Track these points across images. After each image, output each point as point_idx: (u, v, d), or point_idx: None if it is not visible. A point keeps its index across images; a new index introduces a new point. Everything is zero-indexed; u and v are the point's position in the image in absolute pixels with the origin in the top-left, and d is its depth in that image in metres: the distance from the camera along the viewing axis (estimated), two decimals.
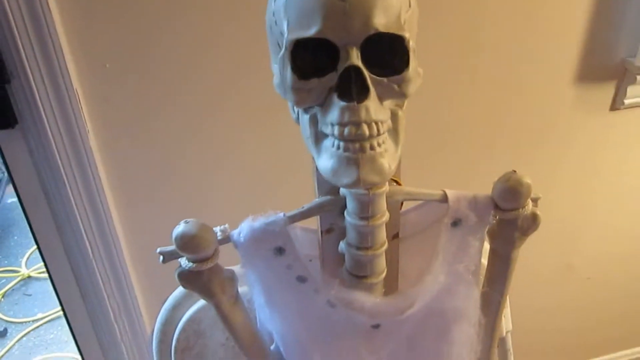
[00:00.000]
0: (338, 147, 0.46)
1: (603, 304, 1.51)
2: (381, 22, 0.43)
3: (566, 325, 1.52)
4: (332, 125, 0.45)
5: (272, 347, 0.64)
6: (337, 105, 0.45)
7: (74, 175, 0.86)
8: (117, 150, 0.92)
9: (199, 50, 0.88)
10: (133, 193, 0.97)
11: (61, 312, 1.07)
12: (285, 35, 0.44)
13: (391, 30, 0.44)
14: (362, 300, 0.58)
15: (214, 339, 0.66)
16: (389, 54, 0.46)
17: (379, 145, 0.46)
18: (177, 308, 0.66)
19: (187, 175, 0.98)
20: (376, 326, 0.61)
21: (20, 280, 2.35)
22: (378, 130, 0.45)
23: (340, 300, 0.58)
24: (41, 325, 2.12)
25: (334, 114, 0.45)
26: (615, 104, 1.15)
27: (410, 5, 0.47)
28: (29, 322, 2.14)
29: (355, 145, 0.45)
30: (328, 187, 0.56)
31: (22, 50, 0.76)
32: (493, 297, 0.64)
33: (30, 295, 2.28)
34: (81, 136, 0.84)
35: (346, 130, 0.45)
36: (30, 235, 0.96)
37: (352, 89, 0.44)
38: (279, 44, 0.47)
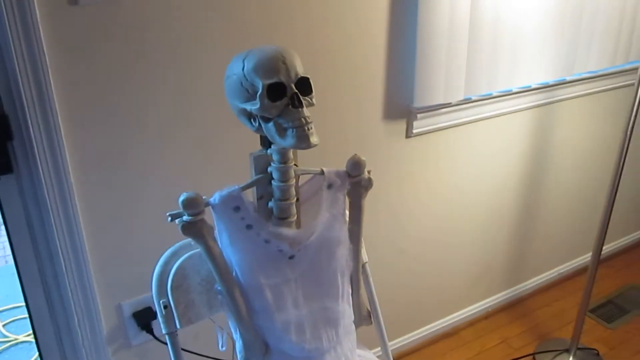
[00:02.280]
0: (296, 132, 0.89)
1: (422, 278, 2.01)
2: (301, 71, 0.91)
3: (396, 298, 1.98)
4: (292, 121, 0.89)
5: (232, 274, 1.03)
6: (292, 112, 0.89)
7: (58, 209, 1.17)
8: (93, 191, 1.26)
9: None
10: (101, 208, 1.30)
11: None
12: (260, 83, 0.88)
13: (304, 75, 0.92)
14: (285, 232, 1.01)
15: (194, 280, 1.03)
16: (303, 86, 0.92)
17: (312, 128, 0.91)
18: (168, 263, 1.02)
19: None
20: (292, 257, 1.04)
21: None
22: (310, 121, 0.91)
23: (272, 234, 1.00)
24: None
25: (290, 116, 0.89)
26: (408, 134, 1.70)
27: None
28: None
29: (305, 128, 0.89)
30: (260, 169, 0.99)
31: (27, 116, 1.09)
32: (355, 230, 1.10)
33: None
34: (65, 175, 1.16)
35: (299, 122, 0.89)
36: None
37: (296, 103, 0.89)
38: (248, 91, 0.90)
